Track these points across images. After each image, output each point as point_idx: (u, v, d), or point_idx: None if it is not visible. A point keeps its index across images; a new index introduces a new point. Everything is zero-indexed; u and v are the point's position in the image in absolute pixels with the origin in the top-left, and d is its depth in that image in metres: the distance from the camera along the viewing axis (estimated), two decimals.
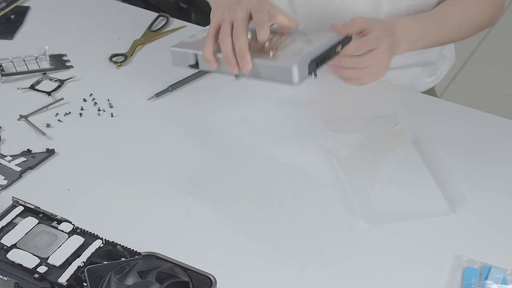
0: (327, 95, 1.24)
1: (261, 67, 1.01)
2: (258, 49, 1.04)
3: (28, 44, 1.36)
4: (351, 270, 0.97)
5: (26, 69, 1.29)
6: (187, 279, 0.86)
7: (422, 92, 1.34)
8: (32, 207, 0.96)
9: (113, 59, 1.33)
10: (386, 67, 1.13)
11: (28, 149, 1.13)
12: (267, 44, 1.05)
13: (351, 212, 1.05)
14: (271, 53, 1.04)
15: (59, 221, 0.94)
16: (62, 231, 0.93)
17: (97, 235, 0.92)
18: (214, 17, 1.08)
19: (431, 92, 1.42)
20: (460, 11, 1.23)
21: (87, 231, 0.93)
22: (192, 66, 1.08)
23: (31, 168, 1.10)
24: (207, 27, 1.09)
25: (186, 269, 0.88)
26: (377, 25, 1.13)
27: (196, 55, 1.06)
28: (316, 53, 1.02)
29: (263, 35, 1.02)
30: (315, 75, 1.00)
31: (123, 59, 1.33)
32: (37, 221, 0.94)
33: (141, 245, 0.91)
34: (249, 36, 1.05)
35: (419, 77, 1.37)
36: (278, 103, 1.24)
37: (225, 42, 1.02)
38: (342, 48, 1.07)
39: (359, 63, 1.11)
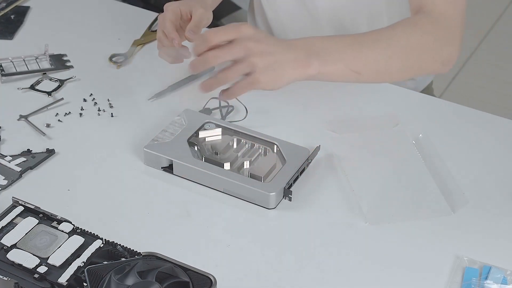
0: (326, 95, 1.24)
1: (238, 187, 1.05)
2: (233, 158, 1.09)
3: (28, 44, 1.36)
4: (351, 270, 0.97)
5: (26, 69, 1.29)
6: (187, 279, 0.86)
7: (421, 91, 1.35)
8: (32, 207, 0.96)
9: (113, 59, 1.33)
10: (271, 75, 1.04)
11: (28, 149, 1.13)
12: (241, 152, 1.10)
13: (351, 212, 1.05)
14: (246, 164, 1.08)
15: (59, 221, 0.94)
16: (62, 231, 0.93)
17: (97, 235, 0.92)
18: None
19: (428, 90, 1.42)
20: (386, 33, 1.10)
21: (87, 231, 0.93)
22: (165, 169, 1.10)
23: (31, 168, 1.10)
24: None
25: (186, 269, 0.88)
26: (252, 33, 1.05)
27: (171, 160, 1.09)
28: (289, 176, 1.05)
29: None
30: (290, 199, 1.05)
31: (123, 59, 1.33)
32: (37, 221, 0.94)
33: (141, 245, 0.91)
34: (230, 143, 1.11)
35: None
36: (277, 103, 1.24)
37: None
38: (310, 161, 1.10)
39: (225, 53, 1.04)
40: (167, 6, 1.19)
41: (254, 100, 1.23)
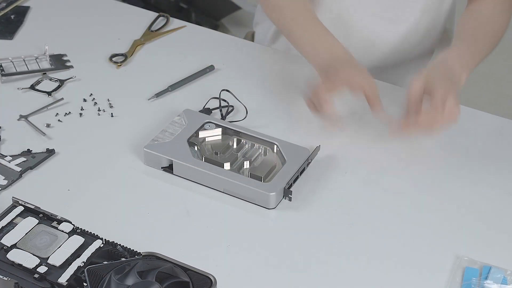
0: None
1: (238, 187, 1.05)
2: (233, 158, 1.09)
3: (28, 44, 1.36)
4: (351, 270, 0.97)
5: (26, 69, 1.29)
6: (187, 279, 0.86)
7: None
8: (32, 207, 0.96)
9: (113, 59, 1.33)
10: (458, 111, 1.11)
11: (28, 149, 1.13)
12: (240, 152, 1.11)
13: (351, 212, 1.05)
14: (246, 164, 1.09)
15: (59, 221, 0.94)
16: (62, 231, 0.93)
17: (97, 235, 0.92)
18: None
19: None
20: (484, 26, 1.24)
21: (87, 231, 0.93)
22: (165, 169, 1.10)
23: (31, 168, 1.10)
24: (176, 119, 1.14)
25: (186, 269, 0.88)
26: (437, 80, 1.11)
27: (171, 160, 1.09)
28: (289, 176, 1.06)
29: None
30: (290, 199, 1.05)
31: (123, 59, 1.33)
32: (37, 221, 0.94)
33: (141, 245, 0.91)
34: (227, 144, 1.12)
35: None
36: (277, 103, 1.24)
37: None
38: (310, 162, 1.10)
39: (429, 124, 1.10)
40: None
41: (254, 100, 1.23)
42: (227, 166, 1.08)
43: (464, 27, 1.24)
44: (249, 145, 1.12)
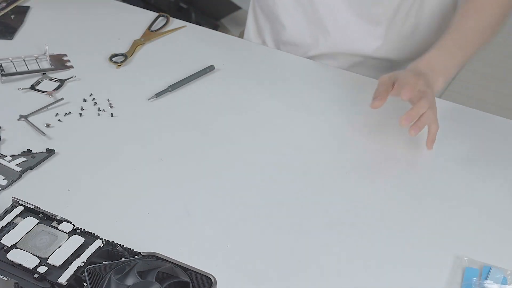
0: (326, 94, 1.24)
1: None
2: None
3: (28, 44, 1.36)
4: (352, 270, 0.97)
5: (26, 69, 1.29)
6: (187, 279, 0.86)
7: None
8: (32, 207, 0.96)
9: (113, 59, 1.33)
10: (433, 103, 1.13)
11: (28, 149, 1.13)
12: None
13: (351, 212, 1.05)
14: None
15: (59, 221, 0.94)
16: (62, 231, 0.93)
17: (97, 235, 0.92)
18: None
19: None
20: (476, 17, 1.22)
21: (87, 231, 0.93)
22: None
23: (31, 168, 1.10)
24: None
25: (186, 269, 0.88)
26: (402, 73, 1.13)
27: None
28: None
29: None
30: None
31: (123, 59, 1.33)
32: (37, 221, 0.94)
33: (141, 245, 0.91)
34: None
35: None
36: (278, 103, 1.24)
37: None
38: None
39: (417, 113, 1.10)
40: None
41: (254, 100, 1.23)
42: None
43: (452, 21, 1.23)
44: None
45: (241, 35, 1.56)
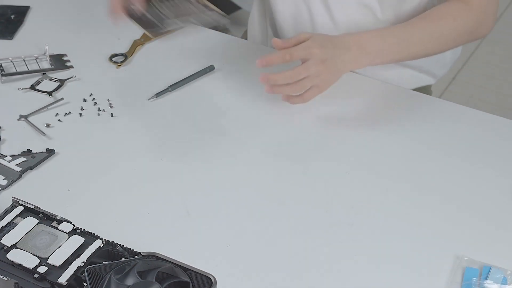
0: (324, 95, 1.24)
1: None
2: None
3: (28, 44, 1.36)
4: (352, 270, 0.97)
5: (26, 69, 1.29)
6: (187, 279, 0.86)
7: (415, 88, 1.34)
8: (32, 207, 0.96)
9: (113, 59, 1.33)
10: (327, 80, 1.13)
11: (28, 149, 1.13)
12: None
13: (351, 212, 1.05)
14: None
15: (59, 221, 0.94)
16: (62, 231, 0.93)
17: (97, 235, 0.92)
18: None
19: (426, 90, 1.42)
20: (432, 23, 1.19)
21: (87, 231, 0.93)
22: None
23: (31, 168, 1.10)
24: None
25: (186, 269, 0.88)
26: (316, 38, 1.13)
27: None
28: None
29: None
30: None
31: (123, 59, 1.33)
32: (37, 221, 0.94)
33: (141, 245, 0.91)
34: None
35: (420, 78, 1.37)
36: (277, 103, 1.24)
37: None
38: None
39: (290, 77, 1.11)
40: None
41: (254, 100, 1.23)
42: None
43: (407, 21, 1.21)
44: None
45: (244, 36, 1.56)
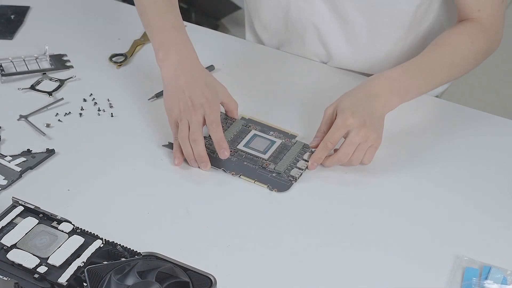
0: (324, 95, 1.24)
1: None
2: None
3: (28, 44, 1.36)
4: (352, 270, 0.97)
5: (26, 69, 1.29)
6: (187, 279, 0.86)
7: None
8: (32, 207, 0.96)
9: (113, 59, 1.33)
10: (376, 136, 1.09)
11: (28, 149, 1.13)
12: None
13: (351, 212, 1.05)
14: None
15: (59, 221, 0.94)
16: (62, 231, 0.93)
17: (97, 235, 0.92)
18: (171, 117, 1.13)
19: None
20: (449, 51, 1.18)
21: (87, 231, 0.93)
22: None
23: (31, 168, 1.10)
24: None
25: (186, 269, 0.88)
26: (343, 107, 1.10)
27: None
28: None
29: (223, 155, 1.10)
30: None
31: (123, 59, 1.33)
32: (37, 221, 0.94)
33: (141, 245, 0.91)
34: None
35: None
36: (276, 103, 1.24)
37: (185, 145, 1.10)
38: None
39: (340, 160, 1.09)
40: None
41: (254, 100, 1.23)
42: None
43: (423, 51, 1.19)
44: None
45: (244, 36, 1.56)
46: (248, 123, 1.17)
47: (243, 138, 1.15)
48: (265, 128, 1.17)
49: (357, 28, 1.27)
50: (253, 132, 1.16)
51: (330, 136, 1.09)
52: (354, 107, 1.09)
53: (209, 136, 1.12)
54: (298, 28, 1.30)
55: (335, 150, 1.10)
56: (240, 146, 1.13)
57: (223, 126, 1.14)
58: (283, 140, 1.14)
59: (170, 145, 1.13)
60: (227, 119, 1.18)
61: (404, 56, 1.29)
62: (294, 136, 1.16)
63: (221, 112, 1.17)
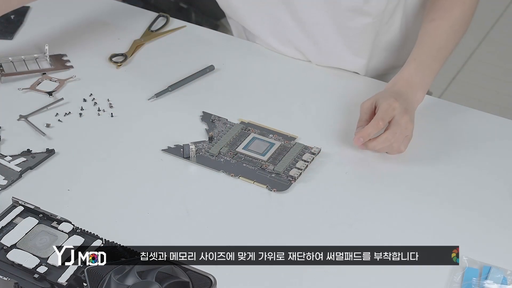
0: (320, 92, 1.24)
1: None
2: None
3: (28, 44, 1.36)
4: (352, 270, 0.97)
5: (26, 69, 1.29)
6: (187, 279, 0.86)
7: None
8: (32, 207, 0.96)
9: (113, 59, 1.33)
10: (412, 127, 1.12)
11: (28, 149, 1.13)
12: None
13: (351, 212, 1.05)
14: None
15: (59, 221, 0.94)
16: (62, 231, 0.93)
17: (97, 235, 0.92)
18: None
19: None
20: (447, 20, 1.21)
21: (87, 231, 0.93)
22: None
23: (31, 168, 1.10)
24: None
25: (186, 269, 0.88)
26: (384, 95, 1.13)
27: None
28: None
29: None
30: None
31: (123, 59, 1.33)
32: (37, 221, 0.94)
33: (140, 245, 0.91)
34: None
35: None
36: (276, 104, 1.24)
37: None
38: None
39: (387, 140, 1.10)
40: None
41: (254, 100, 1.23)
42: None
43: (424, 27, 1.22)
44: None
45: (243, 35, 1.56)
46: (247, 127, 1.17)
47: (242, 141, 1.14)
48: (264, 131, 1.17)
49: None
50: (252, 135, 1.16)
51: (381, 115, 1.10)
52: (396, 96, 1.13)
53: (206, 139, 1.12)
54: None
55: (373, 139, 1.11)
56: (239, 149, 1.13)
57: (222, 130, 1.15)
58: (282, 142, 1.14)
59: (169, 150, 1.13)
60: (226, 123, 1.18)
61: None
62: (293, 138, 1.16)
63: (220, 117, 1.17)
